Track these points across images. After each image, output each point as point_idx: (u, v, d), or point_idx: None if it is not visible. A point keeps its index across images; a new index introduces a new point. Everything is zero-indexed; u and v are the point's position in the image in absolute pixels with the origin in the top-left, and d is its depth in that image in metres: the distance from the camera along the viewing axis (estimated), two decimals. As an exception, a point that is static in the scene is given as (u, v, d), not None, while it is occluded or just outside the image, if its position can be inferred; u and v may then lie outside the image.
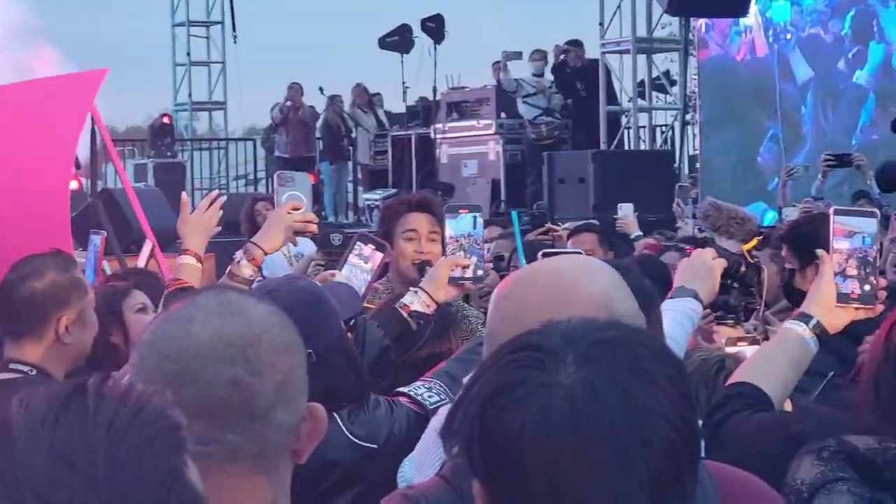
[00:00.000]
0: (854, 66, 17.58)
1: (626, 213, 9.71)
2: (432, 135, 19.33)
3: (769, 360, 3.25)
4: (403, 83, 21.28)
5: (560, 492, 1.58)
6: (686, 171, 18.77)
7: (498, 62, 19.35)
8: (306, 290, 3.69)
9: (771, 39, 18.11)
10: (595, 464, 1.57)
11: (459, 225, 4.47)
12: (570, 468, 1.57)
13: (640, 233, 9.29)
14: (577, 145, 18.03)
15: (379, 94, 21.63)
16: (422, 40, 20.83)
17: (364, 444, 3.45)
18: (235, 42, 25.06)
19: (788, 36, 17.93)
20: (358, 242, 4.68)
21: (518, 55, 18.88)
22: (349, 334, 3.89)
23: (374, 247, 4.66)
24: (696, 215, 6.94)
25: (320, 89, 20.96)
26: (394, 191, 18.33)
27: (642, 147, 19.13)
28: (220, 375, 1.78)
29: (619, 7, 19.00)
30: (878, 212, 3.41)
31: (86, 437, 1.27)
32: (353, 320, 4.07)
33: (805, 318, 3.26)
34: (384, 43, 21.54)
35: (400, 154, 19.82)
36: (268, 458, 1.81)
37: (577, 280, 2.21)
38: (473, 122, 18.91)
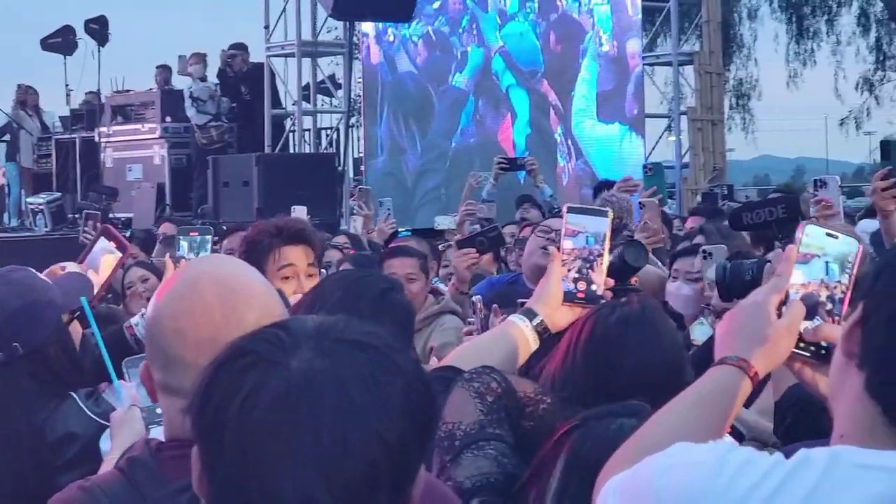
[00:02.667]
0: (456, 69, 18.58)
1: (298, 216, 9.80)
2: (97, 138, 19.02)
3: (485, 350, 3.15)
4: (67, 86, 20.86)
5: (250, 468, 1.57)
6: (351, 173, 19.01)
7: (165, 66, 19.25)
8: (22, 282, 3.73)
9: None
10: (289, 450, 1.57)
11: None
12: (265, 447, 1.57)
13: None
14: (243, 149, 18.01)
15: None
16: (85, 42, 20.47)
17: (101, 420, 3.48)
18: None
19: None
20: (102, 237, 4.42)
21: (202, 57, 18.75)
22: (76, 322, 3.94)
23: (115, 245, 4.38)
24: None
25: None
26: (58, 195, 17.98)
27: (307, 150, 19.30)
28: None
29: (284, 10, 19.07)
30: (611, 212, 3.32)
31: None
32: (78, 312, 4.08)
33: (530, 315, 3.21)
34: (46, 44, 21.04)
35: (64, 158, 19.42)
36: None
37: (242, 279, 2.26)
38: (138, 126, 18.69)
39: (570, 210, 3.28)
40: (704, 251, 5.66)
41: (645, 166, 9.14)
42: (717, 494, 1.83)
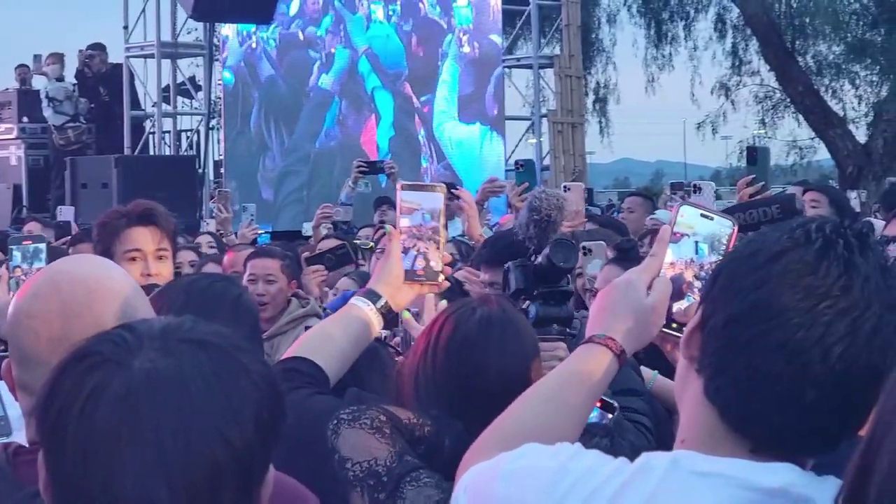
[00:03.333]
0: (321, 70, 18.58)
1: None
2: (-49, 141, 18.68)
3: (329, 337, 3.16)
4: (-81, 84, 20.43)
5: (91, 471, 1.56)
6: (211, 175, 18.87)
7: (24, 65, 18.94)
8: None
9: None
10: (130, 452, 1.56)
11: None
12: (106, 449, 1.56)
13: None
14: (102, 150, 17.79)
15: None
16: (-61, 41, 20.07)
17: None
18: None
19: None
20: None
21: (60, 57, 18.47)
22: None
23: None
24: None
25: None
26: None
27: (167, 152, 19.11)
28: None
29: (143, 11, 18.85)
30: (444, 187, 3.32)
31: None
32: None
33: (372, 296, 3.22)
34: None
35: None
36: None
37: (101, 278, 2.25)
38: (-7, 127, 18.41)
39: (405, 188, 3.28)
40: (584, 247, 5.73)
41: (516, 163, 9.19)
42: None
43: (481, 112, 20.68)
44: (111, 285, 2.25)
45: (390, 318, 3.31)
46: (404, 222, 3.24)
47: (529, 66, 22.80)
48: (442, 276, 3.28)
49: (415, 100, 19.99)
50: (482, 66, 20.73)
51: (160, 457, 1.56)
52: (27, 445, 2.21)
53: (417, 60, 20.11)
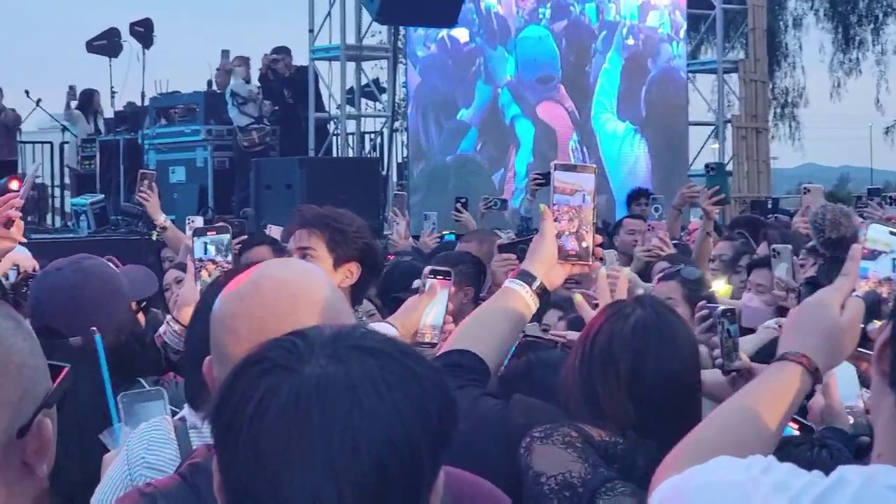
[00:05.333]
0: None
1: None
2: (140, 140, 19.10)
3: (487, 323, 3.13)
4: (112, 88, 20.94)
5: (261, 473, 1.59)
6: (395, 178, 19.00)
7: (219, 68, 19.30)
8: (93, 270, 3.77)
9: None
10: (299, 455, 1.58)
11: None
12: (275, 452, 1.59)
13: None
14: (285, 152, 18.05)
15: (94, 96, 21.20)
16: (130, 44, 20.55)
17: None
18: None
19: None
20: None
21: (245, 60, 18.80)
22: (141, 314, 3.99)
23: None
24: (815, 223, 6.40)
25: (26, 92, 20.45)
26: (101, 196, 18.05)
27: (350, 154, 19.29)
28: None
29: (329, 14, 19.09)
30: (594, 167, 3.30)
31: None
32: (144, 303, 4.11)
33: (527, 278, 3.17)
34: (92, 47, 21.13)
35: (108, 159, 19.47)
36: None
37: (304, 285, 2.25)
38: (182, 128, 18.76)
39: (559, 168, 3.25)
40: (773, 249, 5.63)
41: (707, 166, 8.95)
42: None
43: (634, 113, 20.36)
44: (314, 292, 2.24)
45: (545, 298, 3.26)
46: (561, 202, 3.20)
47: (714, 71, 22.57)
48: (593, 256, 3.25)
49: (569, 101, 19.77)
50: (667, 73, 20.48)
51: (328, 460, 1.58)
52: None
53: (569, 63, 19.87)
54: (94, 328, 3.65)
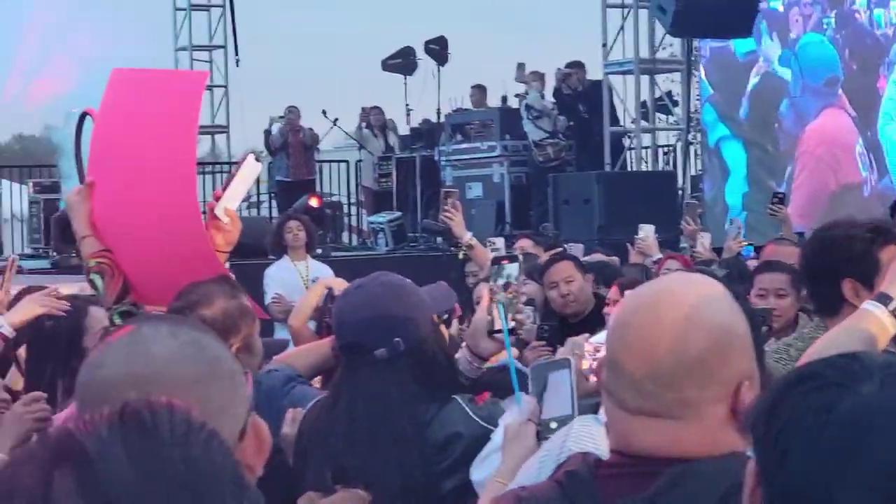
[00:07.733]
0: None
1: (647, 234, 9.79)
2: (436, 157, 19.35)
3: (843, 347, 2.94)
4: (407, 105, 21.32)
5: (811, 487, 1.55)
6: (689, 191, 18.81)
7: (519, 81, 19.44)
8: (395, 284, 3.83)
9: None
10: (858, 472, 1.52)
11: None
12: (830, 466, 1.53)
13: (660, 255, 9.37)
14: (581, 167, 18.08)
15: (391, 118, 21.58)
16: (425, 62, 20.89)
17: (484, 423, 3.55)
18: (238, 65, 25.04)
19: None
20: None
21: (540, 76, 18.90)
22: (443, 328, 4.02)
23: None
24: None
25: (323, 112, 20.98)
26: (399, 214, 18.37)
27: (644, 167, 19.18)
28: None
29: (622, 28, 19.04)
30: None
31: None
32: (446, 316, 4.14)
33: (885, 300, 3.10)
34: (387, 65, 21.58)
35: (404, 176, 19.79)
36: None
37: (699, 307, 2.22)
38: (478, 145, 18.95)
39: None
40: None
41: None
42: None
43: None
44: (710, 315, 2.21)
45: None
46: None
47: None
48: None
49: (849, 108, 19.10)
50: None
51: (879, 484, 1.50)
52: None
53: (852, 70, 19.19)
54: (398, 339, 3.69)
